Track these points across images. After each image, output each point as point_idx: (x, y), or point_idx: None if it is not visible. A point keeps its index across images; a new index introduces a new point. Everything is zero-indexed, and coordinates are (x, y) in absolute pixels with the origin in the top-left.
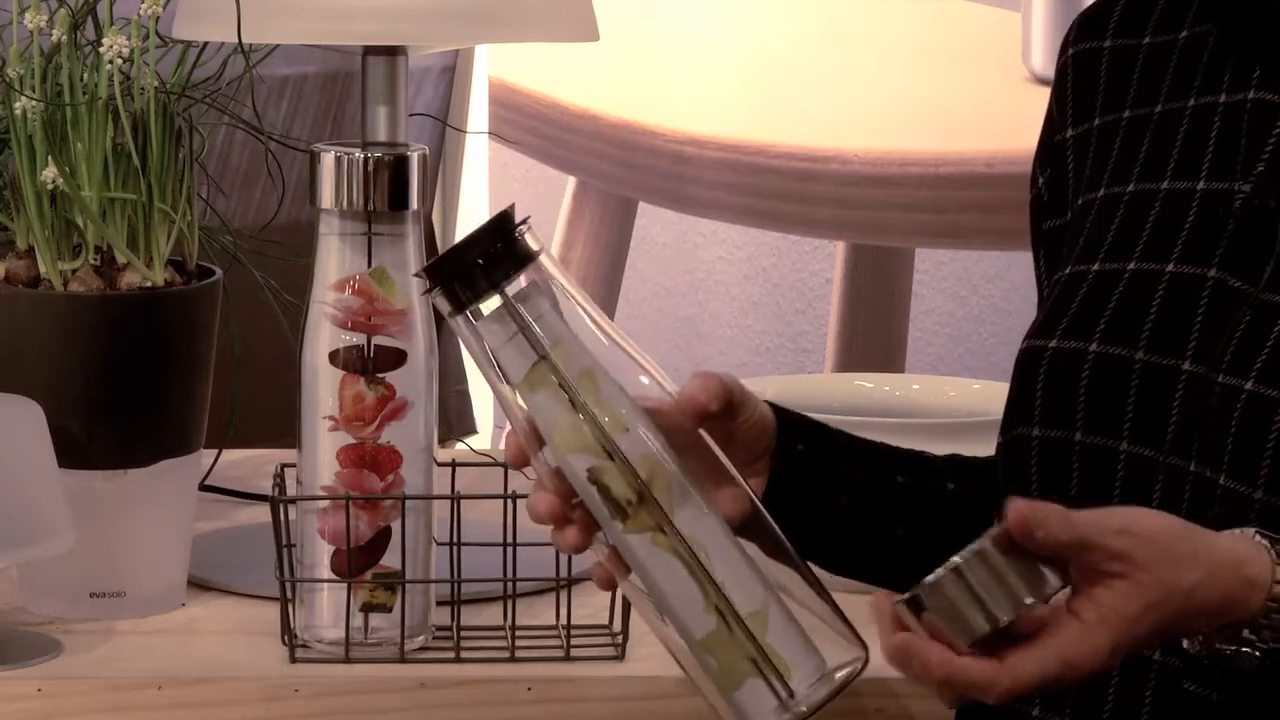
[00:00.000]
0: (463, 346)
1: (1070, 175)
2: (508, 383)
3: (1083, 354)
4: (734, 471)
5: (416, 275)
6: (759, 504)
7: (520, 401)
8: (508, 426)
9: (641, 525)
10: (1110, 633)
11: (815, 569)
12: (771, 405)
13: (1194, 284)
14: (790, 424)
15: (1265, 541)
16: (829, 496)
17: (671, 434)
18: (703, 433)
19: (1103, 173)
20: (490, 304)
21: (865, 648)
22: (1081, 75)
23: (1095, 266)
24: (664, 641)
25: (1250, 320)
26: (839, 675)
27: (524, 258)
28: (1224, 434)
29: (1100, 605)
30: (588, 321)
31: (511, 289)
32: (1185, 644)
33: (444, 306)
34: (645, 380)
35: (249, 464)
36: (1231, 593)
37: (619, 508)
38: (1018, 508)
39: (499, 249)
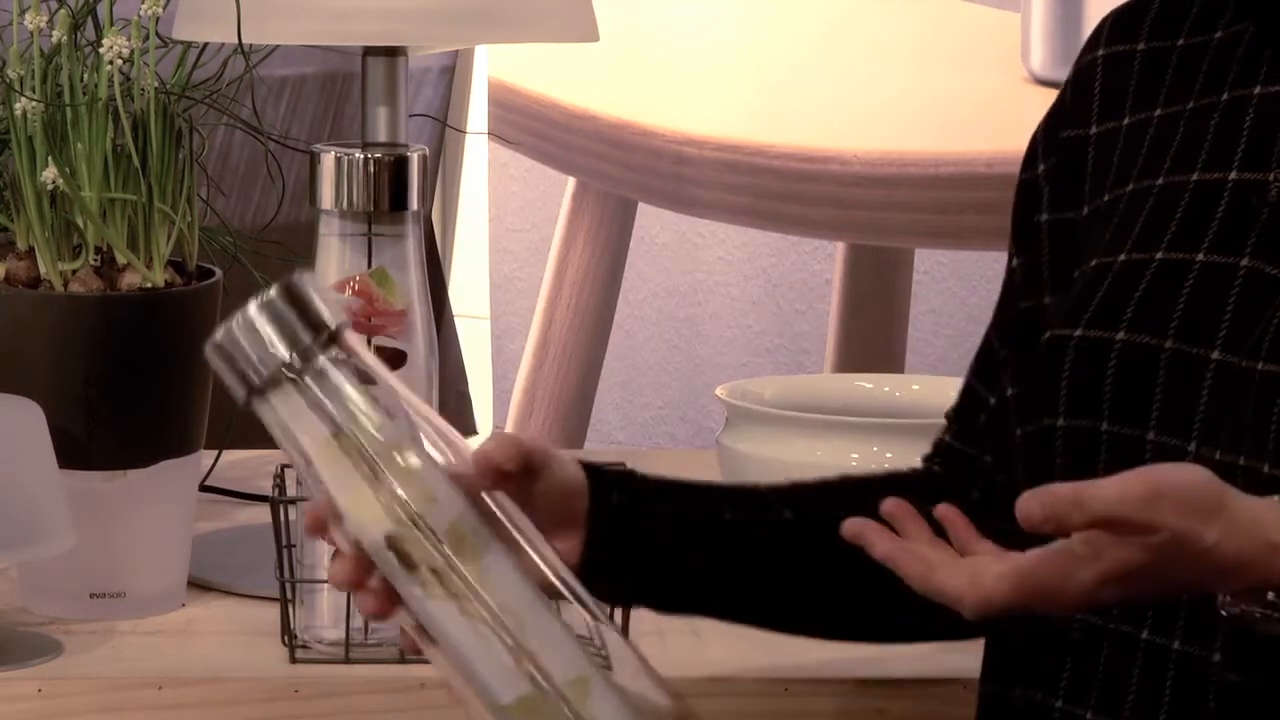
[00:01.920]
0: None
1: (1090, 171)
2: (303, 456)
3: (1109, 342)
4: (530, 539)
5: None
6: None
7: (317, 473)
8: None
9: (443, 593)
10: (1098, 572)
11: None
12: (585, 464)
13: (1226, 273)
14: (603, 479)
15: None
16: (651, 541)
17: (475, 501)
18: (500, 496)
19: (1131, 169)
20: (283, 379)
21: (680, 701)
22: (1111, 76)
23: (1121, 257)
24: (470, 713)
25: None
26: None
27: (321, 330)
28: (1262, 422)
29: (1099, 549)
30: (395, 395)
31: (307, 362)
32: (1218, 600)
33: (237, 390)
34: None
35: (249, 464)
36: (1248, 554)
37: (419, 575)
38: (1024, 503)
39: (295, 322)
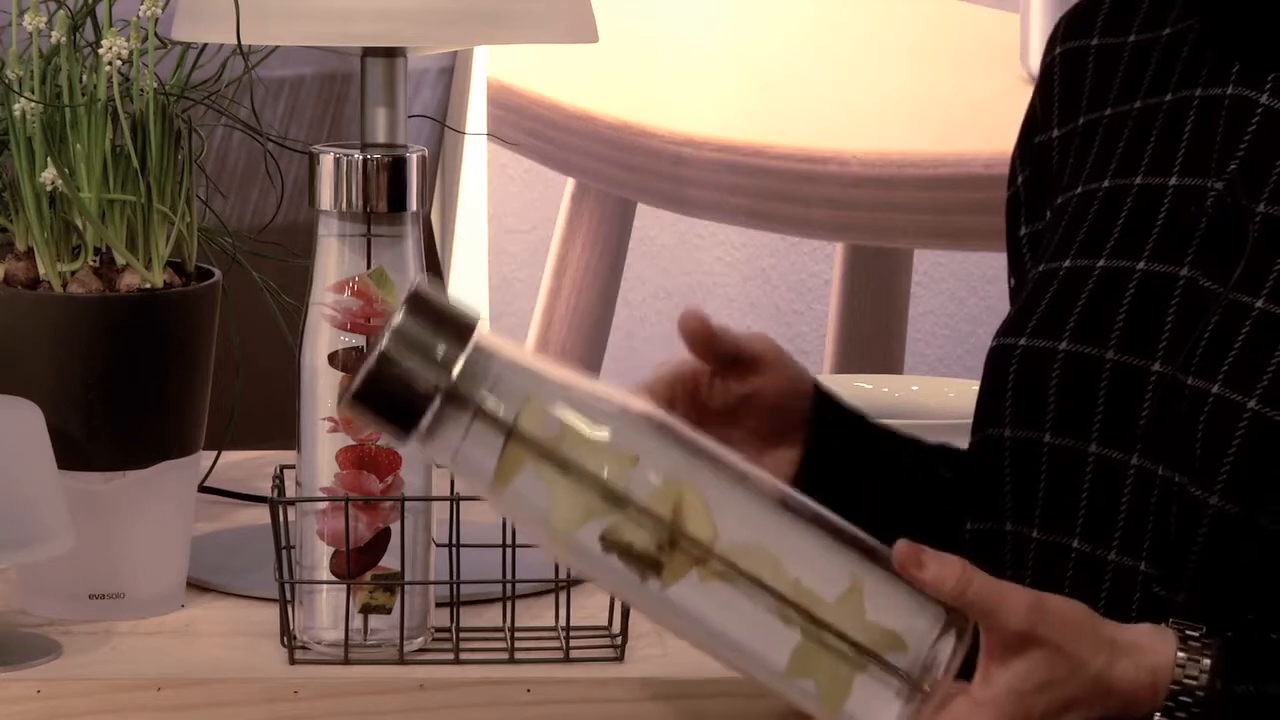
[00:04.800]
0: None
1: (1055, 175)
2: (486, 485)
3: (1053, 353)
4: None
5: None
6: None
7: (506, 504)
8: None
9: (681, 569)
10: (994, 711)
11: None
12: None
13: (1165, 283)
14: (826, 395)
15: (1175, 632)
16: (855, 472)
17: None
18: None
19: (1082, 170)
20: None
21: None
22: (1068, 74)
23: (1066, 263)
24: (750, 677)
25: (1219, 321)
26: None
27: (465, 331)
28: (1191, 438)
29: (993, 684)
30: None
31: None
32: None
33: (397, 435)
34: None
35: (248, 465)
36: (1135, 681)
37: (652, 562)
38: (907, 552)
39: (435, 341)
